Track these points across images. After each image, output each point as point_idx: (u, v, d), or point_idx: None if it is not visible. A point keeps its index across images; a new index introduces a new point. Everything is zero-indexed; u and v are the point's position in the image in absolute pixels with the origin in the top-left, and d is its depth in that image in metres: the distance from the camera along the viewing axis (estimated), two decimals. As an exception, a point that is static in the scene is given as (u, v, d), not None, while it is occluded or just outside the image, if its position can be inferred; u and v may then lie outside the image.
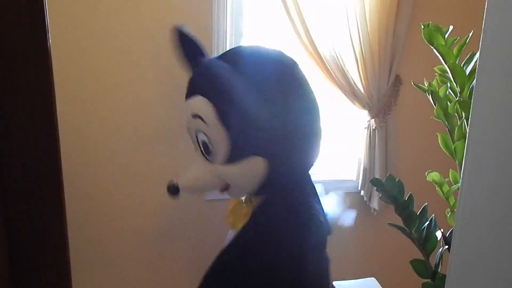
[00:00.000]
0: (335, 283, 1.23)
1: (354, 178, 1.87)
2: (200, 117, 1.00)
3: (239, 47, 1.10)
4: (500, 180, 0.55)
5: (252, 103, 0.95)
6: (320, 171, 1.87)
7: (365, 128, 1.77)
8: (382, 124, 1.76)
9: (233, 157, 1.00)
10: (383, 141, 1.78)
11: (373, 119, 1.74)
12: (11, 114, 0.41)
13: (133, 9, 1.44)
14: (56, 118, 0.41)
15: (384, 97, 1.73)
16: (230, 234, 1.16)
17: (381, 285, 1.23)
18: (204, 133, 1.01)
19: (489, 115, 0.56)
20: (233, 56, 1.05)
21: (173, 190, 1.05)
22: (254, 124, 0.97)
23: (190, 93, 1.05)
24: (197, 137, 1.04)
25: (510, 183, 0.53)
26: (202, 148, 1.03)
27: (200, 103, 1.00)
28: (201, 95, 1.00)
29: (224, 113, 0.97)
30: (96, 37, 1.42)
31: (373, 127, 1.75)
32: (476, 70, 0.55)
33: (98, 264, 1.57)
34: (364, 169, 1.79)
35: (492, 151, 0.56)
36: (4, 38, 0.39)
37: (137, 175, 1.55)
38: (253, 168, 1.00)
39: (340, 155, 1.92)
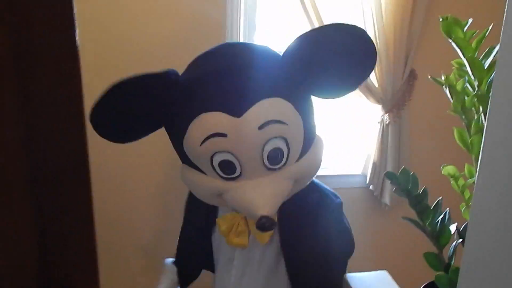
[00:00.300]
0: (347, 275, 1.23)
1: (359, 172, 1.87)
2: (277, 121, 0.90)
3: (228, 43, 1.05)
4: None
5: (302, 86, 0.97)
6: (325, 166, 1.88)
7: (378, 122, 1.76)
8: (396, 119, 1.76)
9: (306, 147, 0.99)
10: (396, 136, 1.77)
11: (387, 114, 1.74)
12: (41, 108, 0.42)
13: (147, 6, 1.44)
14: (84, 111, 0.43)
15: (398, 92, 1.72)
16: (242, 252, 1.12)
17: (393, 277, 1.24)
18: (282, 136, 0.91)
19: (507, 109, 0.56)
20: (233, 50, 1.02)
21: (270, 224, 0.91)
22: (311, 106, 1.01)
23: (246, 105, 0.89)
24: (262, 152, 0.93)
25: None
26: (267, 160, 0.93)
27: (274, 105, 0.90)
28: (269, 98, 0.90)
29: (300, 101, 0.95)
30: (112, 34, 1.43)
31: (387, 122, 1.75)
32: (496, 64, 0.55)
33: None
34: (374, 164, 1.79)
35: (509, 145, 0.56)
36: (36, 35, 0.40)
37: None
38: (318, 149, 1.03)
39: (346, 150, 1.92)
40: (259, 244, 1.07)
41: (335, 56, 0.92)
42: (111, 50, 1.46)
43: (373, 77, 1.67)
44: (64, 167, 0.43)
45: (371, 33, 1.62)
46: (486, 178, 0.59)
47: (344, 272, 1.18)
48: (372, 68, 0.96)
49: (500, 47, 0.55)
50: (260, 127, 0.88)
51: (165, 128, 1.03)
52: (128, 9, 1.44)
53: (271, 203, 0.92)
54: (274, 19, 1.67)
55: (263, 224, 0.89)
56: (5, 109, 0.39)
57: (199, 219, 1.18)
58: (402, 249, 1.88)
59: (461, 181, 0.79)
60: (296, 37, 0.93)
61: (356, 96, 1.71)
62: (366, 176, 1.85)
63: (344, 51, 0.92)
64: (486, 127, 0.57)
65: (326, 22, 1.55)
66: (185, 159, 1.00)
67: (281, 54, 0.97)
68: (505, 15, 0.54)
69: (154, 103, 0.94)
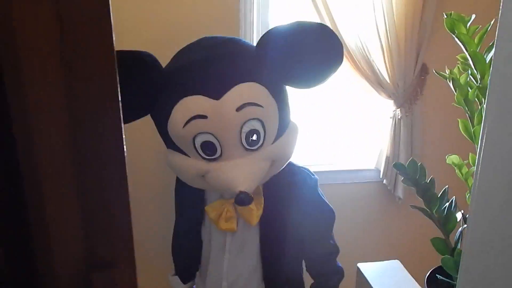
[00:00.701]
0: (359, 264, 1.28)
1: (372, 167, 1.91)
2: (253, 104, 0.98)
3: (207, 37, 1.13)
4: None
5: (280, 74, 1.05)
6: (338, 161, 1.93)
7: (390, 117, 1.79)
8: (408, 114, 1.78)
9: (280, 131, 1.07)
10: (408, 130, 1.80)
11: (399, 109, 1.77)
12: (84, 103, 0.49)
13: (156, 6, 1.48)
14: (120, 106, 0.49)
15: (410, 87, 1.75)
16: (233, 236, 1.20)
17: (405, 266, 1.28)
18: (258, 118, 0.99)
19: (504, 100, 0.60)
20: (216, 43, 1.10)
21: (248, 199, 1.01)
22: (286, 93, 1.09)
23: (224, 88, 0.98)
24: (240, 133, 1.01)
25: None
26: (245, 141, 1.01)
27: (251, 89, 0.99)
28: (246, 82, 0.99)
29: (274, 87, 1.04)
30: (125, 26, 1.45)
31: (399, 117, 1.77)
32: (492, 57, 0.59)
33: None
34: (387, 158, 1.82)
35: (506, 133, 0.60)
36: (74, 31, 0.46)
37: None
38: (293, 133, 1.11)
39: (359, 145, 1.95)
40: (248, 227, 1.15)
41: (306, 48, 1.03)
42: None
43: (384, 73, 1.70)
44: (103, 156, 0.49)
45: (381, 29, 1.65)
46: (486, 163, 0.63)
47: (332, 239, 1.27)
48: (339, 61, 1.06)
49: (496, 40, 0.59)
50: (238, 109, 0.97)
51: (151, 115, 1.12)
52: (140, 13, 1.47)
53: (249, 180, 1.00)
54: (287, 18, 1.71)
55: (242, 198, 0.98)
56: (53, 105, 0.46)
57: (188, 211, 1.25)
58: (414, 240, 1.91)
59: (464, 170, 0.83)
60: (270, 28, 1.05)
61: (368, 92, 1.75)
62: (379, 171, 1.89)
63: (315, 45, 1.03)
64: (485, 116, 0.61)
65: (337, 20, 1.59)
66: (170, 144, 1.08)
67: (255, 45, 1.08)
68: (500, 11, 0.58)
69: (135, 80, 0.99)
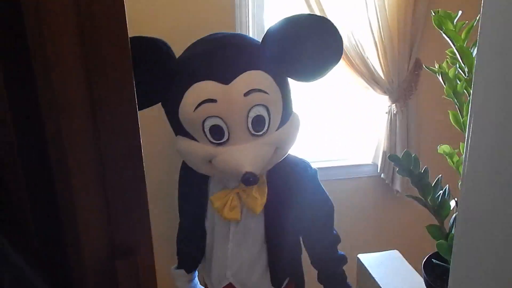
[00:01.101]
0: (360, 255, 1.32)
1: (370, 161, 1.96)
2: (260, 90, 1.05)
3: (215, 33, 1.19)
4: (499, 146, 0.63)
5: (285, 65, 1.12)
6: (336, 157, 1.97)
7: (386, 113, 1.84)
8: (403, 109, 1.82)
9: (284, 119, 1.14)
10: (404, 125, 1.84)
11: (394, 104, 1.81)
12: (105, 106, 0.53)
13: (155, 6, 1.51)
14: (136, 109, 0.54)
15: (404, 82, 1.79)
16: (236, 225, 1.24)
17: (404, 256, 1.32)
18: (263, 105, 1.06)
19: (487, 91, 0.65)
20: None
21: (253, 179, 1.05)
22: (289, 84, 1.16)
23: (233, 74, 1.04)
24: (247, 117, 1.06)
25: (506, 147, 0.61)
26: (251, 126, 1.07)
27: (258, 77, 1.06)
28: (254, 70, 1.06)
29: (278, 78, 1.10)
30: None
31: (394, 112, 1.82)
32: (476, 49, 0.64)
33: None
34: (384, 153, 1.87)
35: (490, 122, 0.64)
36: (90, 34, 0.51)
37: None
38: (295, 123, 1.17)
39: (356, 141, 2.00)
40: (252, 215, 1.19)
41: (309, 41, 1.09)
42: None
43: (378, 69, 1.75)
44: (123, 154, 0.54)
45: (375, 26, 1.69)
46: (473, 152, 0.68)
47: (334, 228, 1.32)
48: (339, 55, 1.13)
49: (479, 35, 0.63)
50: (245, 94, 1.03)
51: (161, 104, 1.18)
52: (139, 14, 1.49)
53: (255, 162, 1.06)
54: (281, 17, 1.75)
55: (247, 178, 1.03)
56: (77, 108, 0.51)
57: (192, 201, 1.29)
58: (412, 230, 1.95)
59: (455, 158, 0.87)
60: (277, 21, 1.11)
61: (363, 88, 1.79)
62: (377, 165, 1.93)
63: (318, 37, 1.11)
64: (471, 107, 0.66)
65: (330, 17, 1.62)
66: (180, 130, 1.13)
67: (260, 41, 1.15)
68: (481, 8, 0.62)
69: (150, 66, 1.05)
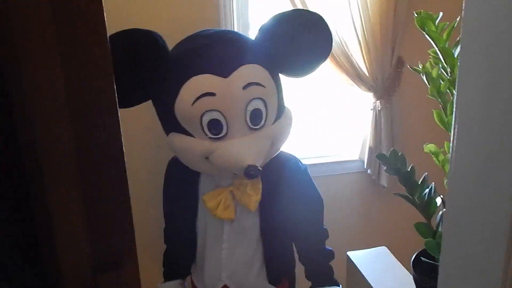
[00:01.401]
0: (349, 253, 1.33)
1: (356, 158, 1.98)
2: (257, 84, 1.06)
3: (208, 29, 1.20)
4: (484, 145, 0.64)
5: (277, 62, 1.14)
6: (323, 154, 1.98)
7: (371, 109, 1.86)
8: (387, 105, 1.85)
9: (279, 113, 1.15)
10: (388, 121, 1.87)
11: (378, 101, 1.83)
12: (83, 105, 0.52)
13: (138, 4, 1.50)
14: (117, 109, 0.53)
15: (387, 79, 1.81)
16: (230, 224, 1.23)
17: (392, 252, 1.34)
18: (261, 98, 1.07)
19: (471, 90, 0.66)
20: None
21: (256, 172, 1.04)
22: (281, 82, 1.18)
23: (232, 67, 1.04)
24: (245, 111, 1.06)
25: (491, 146, 0.63)
26: (249, 119, 1.07)
27: (255, 70, 1.07)
28: (251, 64, 1.06)
29: (273, 72, 1.12)
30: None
31: (379, 108, 1.84)
32: (459, 49, 0.65)
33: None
34: (370, 148, 1.89)
35: (475, 121, 0.66)
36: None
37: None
38: (289, 117, 1.18)
39: (343, 137, 2.02)
40: (247, 213, 1.19)
41: (302, 36, 1.12)
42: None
43: (363, 66, 1.76)
44: (103, 161, 0.52)
45: (358, 25, 1.70)
46: (459, 149, 0.69)
47: (322, 220, 1.33)
48: (329, 50, 1.16)
49: (461, 36, 0.65)
50: (244, 87, 1.04)
51: (152, 101, 1.15)
52: (122, 11, 1.48)
53: (255, 155, 1.06)
54: (266, 15, 1.75)
55: (250, 171, 1.02)
56: (58, 111, 0.49)
57: (182, 203, 1.26)
58: (399, 226, 1.98)
59: (441, 157, 0.88)
60: (270, 18, 1.14)
61: (348, 86, 1.80)
62: (363, 161, 1.95)
63: (309, 32, 1.13)
64: (455, 106, 0.67)
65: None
66: (174, 126, 1.11)
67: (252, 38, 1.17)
68: (463, 9, 0.63)
69: (143, 61, 1.05)
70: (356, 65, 1.75)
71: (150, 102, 1.18)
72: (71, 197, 0.53)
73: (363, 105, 1.90)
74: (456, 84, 0.66)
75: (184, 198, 1.25)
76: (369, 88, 1.81)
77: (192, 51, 1.10)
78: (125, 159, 0.54)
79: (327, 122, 1.98)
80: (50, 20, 0.47)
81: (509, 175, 0.59)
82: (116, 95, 0.52)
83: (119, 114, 0.53)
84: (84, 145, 0.52)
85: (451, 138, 0.68)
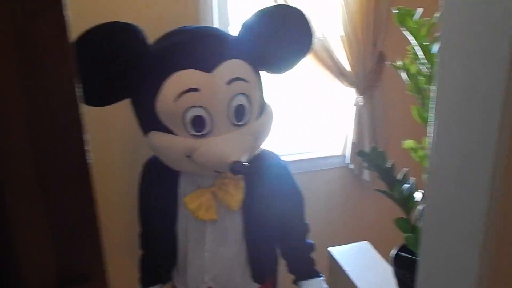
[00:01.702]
0: (330, 249, 1.33)
1: (339, 153, 1.99)
2: (241, 79, 1.05)
3: (189, 25, 1.17)
4: (461, 140, 0.65)
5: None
6: (307, 150, 1.99)
7: (354, 105, 1.87)
8: (370, 100, 1.86)
9: (261, 109, 1.15)
10: (370, 117, 1.88)
11: (361, 96, 1.84)
12: (43, 110, 0.50)
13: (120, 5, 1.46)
14: (82, 114, 0.50)
15: (369, 75, 1.82)
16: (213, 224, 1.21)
17: (375, 246, 1.35)
18: (244, 94, 1.06)
19: (449, 86, 0.66)
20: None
21: (243, 168, 1.02)
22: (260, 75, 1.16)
23: (215, 62, 1.03)
24: (229, 107, 1.05)
25: (469, 142, 0.63)
26: (233, 115, 1.06)
27: (239, 66, 1.06)
28: (234, 59, 1.05)
29: (256, 68, 1.11)
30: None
31: (361, 104, 1.85)
32: (437, 45, 0.65)
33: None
34: (353, 144, 1.90)
35: (452, 118, 0.66)
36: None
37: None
38: (270, 113, 1.17)
39: (325, 133, 2.03)
40: (229, 213, 1.17)
41: (284, 32, 1.13)
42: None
43: (345, 62, 1.77)
44: (66, 168, 0.50)
45: (339, 20, 1.71)
46: (438, 144, 0.69)
47: (304, 215, 1.34)
48: (310, 46, 1.17)
49: (440, 32, 0.65)
50: (228, 82, 1.03)
51: (132, 98, 1.12)
52: (100, 6, 1.45)
53: (240, 151, 1.04)
54: (247, 14, 1.73)
55: (237, 167, 1.00)
56: (12, 114, 0.46)
57: (161, 207, 1.22)
58: (381, 221, 1.99)
59: (420, 152, 0.89)
60: (253, 13, 1.13)
61: (331, 81, 1.81)
62: (346, 156, 1.96)
63: (291, 28, 1.14)
64: (434, 103, 0.67)
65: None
66: (154, 124, 1.08)
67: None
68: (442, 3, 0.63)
69: (122, 55, 1.02)
70: (338, 60, 1.76)
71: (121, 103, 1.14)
72: (33, 209, 0.50)
73: (346, 101, 1.91)
74: (435, 80, 0.66)
75: (163, 200, 1.21)
76: (351, 83, 1.81)
77: (175, 46, 1.07)
78: (90, 163, 0.52)
79: (310, 118, 1.98)
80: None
81: (485, 171, 0.60)
82: (76, 96, 0.50)
83: (82, 117, 0.50)
84: (44, 153, 0.49)
85: (431, 134, 0.69)
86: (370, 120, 1.87)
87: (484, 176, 0.61)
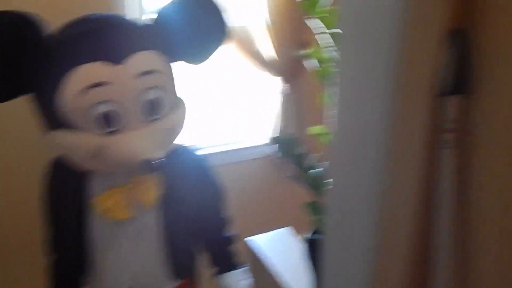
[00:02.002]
0: (247, 239, 1.33)
1: (268, 142, 2.00)
2: (153, 72, 0.98)
3: (93, 13, 1.08)
4: (361, 124, 0.67)
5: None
6: (234, 141, 1.99)
7: (280, 93, 1.89)
8: (295, 88, 1.90)
9: (175, 102, 1.10)
10: (296, 104, 1.92)
11: (287, 84, 1.87)
12: None
13: None
14: None
15: (294, 63, 1.85)
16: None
17: (299, 232, 1.37)
18: (157, 87, 1.00)
19: (348, 71, 0.68)
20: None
21: (156, 166, 0.97)
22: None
23: (125, 53, 0.96)
24: (141, 101, 0.99)
25: (365, 125, 0.66)
26: (145, 110, 1.00)
27: (151, 57, 0.99)
28: (146, 50, 0.99)
29: (169, 60, 1.06)
30: None
31: (287, 92, 1.88)
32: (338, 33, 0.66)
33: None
34: (280, 132, 1.93)
35: (352, 100, 0.68)
36: None
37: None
38: (183, 107, 1.12)
39: (252, 122, 2.03)
40: (146, 211, 1.13)
41: (199, 21, 1.08)
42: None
43: (268, 50, 1.78)
44: None
45: (262, 8, 1.71)
46: (339, 129, 0.72)
47: (223, 208, 1.32)
48: (226, 34, 1.12)
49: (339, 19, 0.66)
50: (139, 75, 0.96)
51: (32, 94, 1.02)
52: None
53: (153, 148, 0.99)
54: (162, 1, 1.69)
55: (150, 165, 0.96)
56: None
57: (69, 210, 1.15)
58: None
59: (327, 138, 0.92)
60: (168, 2, 1.07)
61: (258, 70, 1.82)
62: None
63: (206, 17, 1.08)
64: (339, 87, 0.69)
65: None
66: (58, 122, 1.00)
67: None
68: None
69: (15, 47, 0.92)
70: (261, 49, 1.77)
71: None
72: None
73: (273, 89, 1.93)
74: (338, 65, 0.68)
75: (72, 202, 1.13)
76: (277, 72, 1.83)
77: (78, 37, 0.98)
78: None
79: (238, 108, 1.98)
80: None
81: (379, 154, 0.62)
82: None
83: None
84: None
85: (334, 118, 0.71)
86: (295, 108, 1.91)
87: (379, 159, 0.64)
